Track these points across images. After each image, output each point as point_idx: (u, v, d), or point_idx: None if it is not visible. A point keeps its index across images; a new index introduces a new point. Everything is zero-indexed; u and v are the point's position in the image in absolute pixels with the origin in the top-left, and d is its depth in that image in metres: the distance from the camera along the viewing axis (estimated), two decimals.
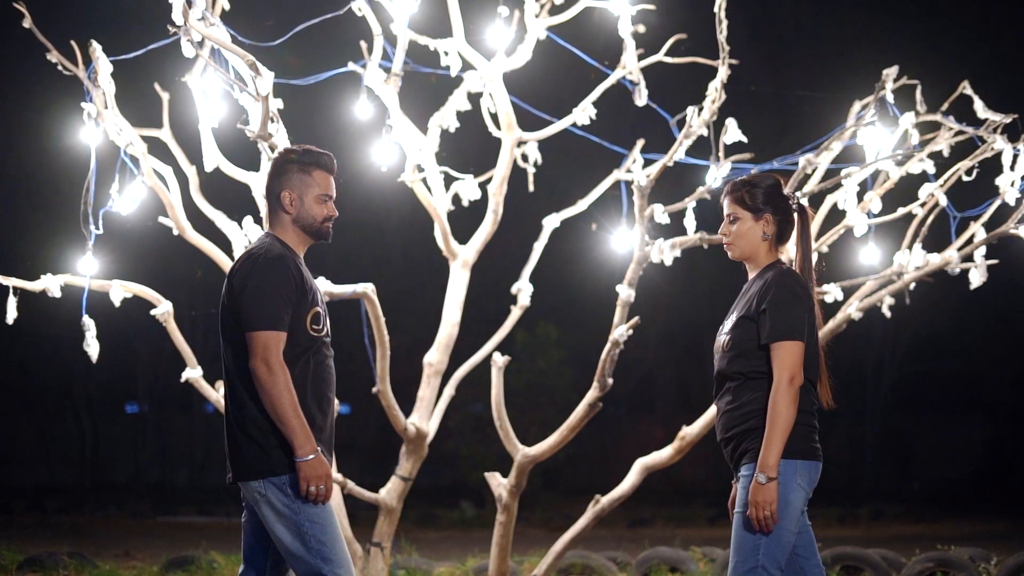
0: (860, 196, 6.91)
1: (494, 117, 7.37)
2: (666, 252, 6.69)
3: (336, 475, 6.85)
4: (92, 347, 6.39)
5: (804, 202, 4.41)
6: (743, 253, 4.37)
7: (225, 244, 6.94)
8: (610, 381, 6.69)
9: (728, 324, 4.35)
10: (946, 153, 6.90)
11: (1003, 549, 9.29)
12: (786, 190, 4.39)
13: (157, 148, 6.94)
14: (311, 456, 4.01)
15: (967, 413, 28.45)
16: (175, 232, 6.92)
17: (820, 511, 20.11)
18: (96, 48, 6.12)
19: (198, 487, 27.67)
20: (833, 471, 27.76)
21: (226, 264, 6.90)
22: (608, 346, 6.67)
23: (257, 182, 6.61)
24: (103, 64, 6.18)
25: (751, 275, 4.38)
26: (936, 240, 7.03)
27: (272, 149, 5.76)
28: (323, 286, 6.50)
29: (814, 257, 4.44)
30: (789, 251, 4.45)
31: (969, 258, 6.84)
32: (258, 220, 6.54)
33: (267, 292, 4.03)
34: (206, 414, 28.42)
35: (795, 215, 4.36)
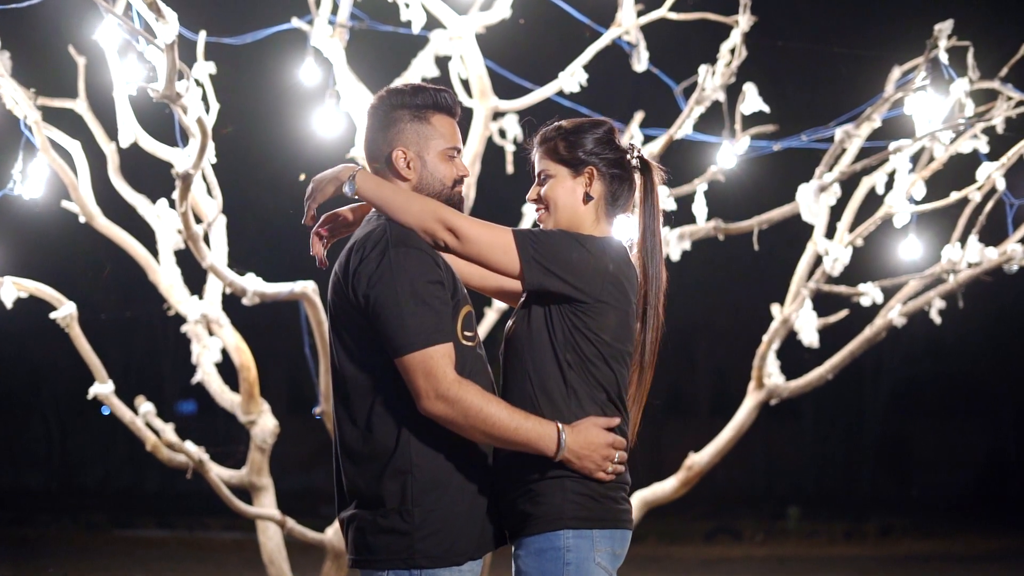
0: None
1: (465, 84, 6.69)
2: (673, 244, 5.89)
3: (274, 512, 5.92)
4: None
5: (647, 157, 3.28)
6: (558, 223, 3.20)
7: (146, 234, 6.46)
8: None
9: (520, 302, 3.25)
10: (1000, 128, 6.12)
11: None
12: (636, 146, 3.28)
13: (73, 121, 6.38)
14: (563, 434, 2.96)
15: (969, 418, 28.17)
16: (82, 219, 6.28)
17: (824, 526, 19.50)
18: None
19: (169, 491, 27.35)
20: (832, 477, 27.25)
21: (144, 257, 6.24)
22: None
23: (181, 159, 5.79)
24: None
25: None
26: (984, 232, 6.25)
27: (184, 112, 4.73)
28: (253, 285, 5.62)
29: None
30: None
31: None
32: (172, 204, 5.66)
33: (413, 293, 2.91)
34: (180, 415, 27.81)
35: (635, 173, 3.24)
